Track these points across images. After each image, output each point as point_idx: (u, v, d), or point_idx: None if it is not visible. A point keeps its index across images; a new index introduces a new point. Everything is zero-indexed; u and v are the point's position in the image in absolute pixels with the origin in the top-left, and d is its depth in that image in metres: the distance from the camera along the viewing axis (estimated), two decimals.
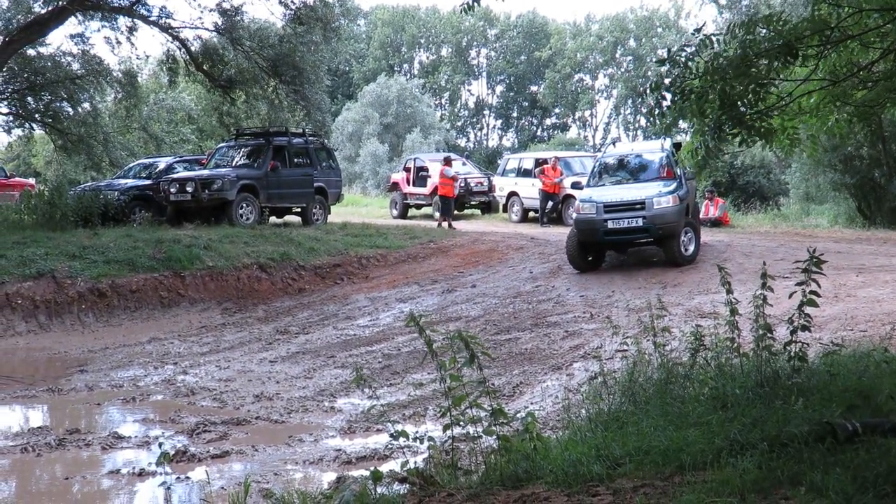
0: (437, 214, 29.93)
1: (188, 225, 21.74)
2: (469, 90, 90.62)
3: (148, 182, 24.77)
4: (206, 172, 23.76)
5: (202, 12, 35.14)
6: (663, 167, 18.89)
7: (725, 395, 6.79)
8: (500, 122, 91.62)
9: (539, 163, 28.59)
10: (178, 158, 27.35)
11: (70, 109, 27.72)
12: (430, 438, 6.27)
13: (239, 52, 25.23)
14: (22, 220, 21.25)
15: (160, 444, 8.01)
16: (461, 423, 6.08)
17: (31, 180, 37.10)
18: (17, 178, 37.14)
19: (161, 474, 7.81)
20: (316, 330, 15.59)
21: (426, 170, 32.40)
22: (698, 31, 7.47)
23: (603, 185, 19.21)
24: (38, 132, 34.47)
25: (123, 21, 25.55)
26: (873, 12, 7.37)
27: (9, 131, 32.74)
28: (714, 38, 7.31)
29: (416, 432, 6.48)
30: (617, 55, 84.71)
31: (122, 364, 13.66)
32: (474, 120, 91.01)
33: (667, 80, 7.38)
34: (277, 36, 25.34)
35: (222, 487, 7.73)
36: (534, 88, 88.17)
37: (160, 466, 6.81)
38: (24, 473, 8.76)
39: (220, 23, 25.20)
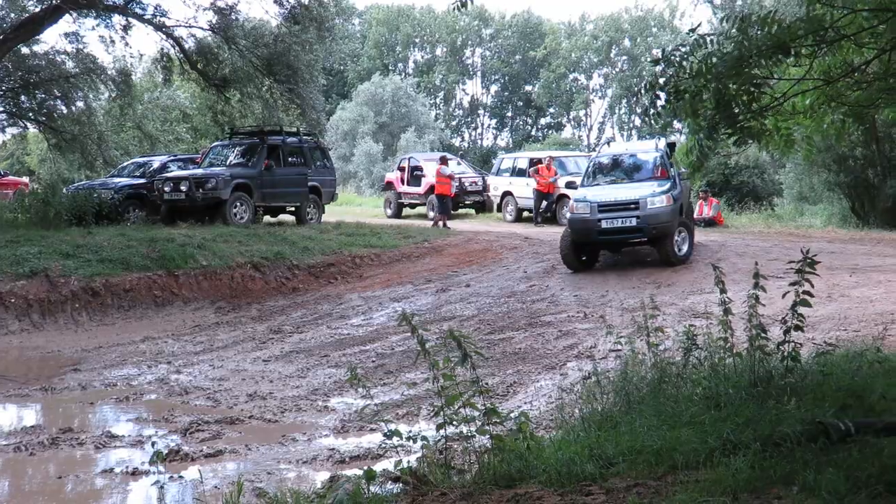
0: (432, 214, 29.94)
1: (182, 224, 21.71)
2: (464, 89, 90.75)
3: (142, 181, 24.76)
4: (200, 171, 23.75)
5: (197, 11, 35.00)
6: (657, 167, 18.93)
7: (718, 395, 6.80)
8: (494, 121, 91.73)
9: (533, 162, 28.61)
10: (172, 157, 27.32)
11: (64, 108, 27.64)
12: (424, 438, 6.27)
13: (233, 51, 25.19)
14: (16, 218, 21.21)
15: (153, 444, 8.01)
16: (454, 422, 6.09)
17: (25, 179, 37.06)
18: (11, 177, 37.09)
19: (154, 473, 7.83)
20: (310, 329, 15.58)
21: (421, 169, 32.42)
22: (693, 30, 7.47)
23: (597, 184, 19.24)
24: (32, 131, 34.45)
25: (118, 19, 25.49)
26: (867, 12, 7.37)
27: (3, 130, 32.71)
28: (708, 38, 7.32)
29: (410, 431, 6.48)
30: (612, 55, 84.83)
31: (115, 363, 13.63)
32: (469, 119, 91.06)
33: (661, 80, 7.38)
34: (272, 35, 25.29)
35: (216, 487, 7.73)
36: (528, 88, 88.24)
37: (153, 465, 6.85)
38: (17, 472, 8.75)
39: (214, 21, 25.17)
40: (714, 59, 7.07)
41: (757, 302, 7.33)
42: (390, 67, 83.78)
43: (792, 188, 30.21)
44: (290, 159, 24.97)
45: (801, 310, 7.03)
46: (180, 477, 8.13)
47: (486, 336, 13.68)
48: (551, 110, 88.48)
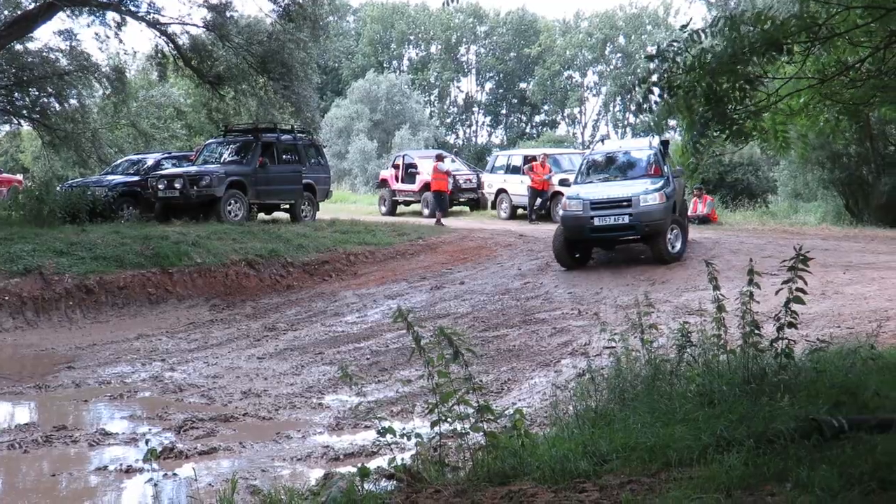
0: (426, 211, 29.96)
1: (176, 221, 21.69)
2: (458, 87, 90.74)
3: (136, 178, 24.71)
4: (194, 169, 23.70)
5: (191, 8, 35.09)
6: (651, 165, 18.95)
7: (712, 392, 6.81)
8: (489, 118, 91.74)
9: (528, 160, 28.58)
10: (166, 155, 27.29)
11: (58, 105, 27.60)
12: (418, 435, 6.28)
13: (228, 49, 25.17)
14: (9, 216, 21.17)
15: (147, 441, 8.02)
16: (449, 419, 6.09)
17: (19, 176, 36.98)
18: (5, 175, 37.01)
19: (148, 471, 7.81)
20: (304, 326, 15.58)
21: (415, 167, 32.43)
22: (686, 26, 7.47)
23: (591, 182, 19.26)
24: (26, 128, 34.37)
25: (112, 16, 25.47)
26: (860, 9, 7.38)
27: None
28: (702, 33, 7.32)
29: (404, 429, 6.48)
30: (606, 52, 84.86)
31: (109, 361, 13.61)
32: (463, 117, 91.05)
33: (654, 77, 7.38)
34: (266, 33, 25.28)
35: (210, 484, 7.72)
36: (523, 85, 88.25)
37: (147, 463, 6.81)
38: (10, 470, 8.73)
39: (208, 18, 25.14)
40: (708, 56, 7.07)
41: (751, 299, 7.34)
42: (385, 65, 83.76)
43: (786, 185, 30.29)
44: (284, 157, 24.94)
45: (795, 307, 7.04)
46: (174, 474, 8.12)
47: (480, 333, 13.69)
48: (546, 108, 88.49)
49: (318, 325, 15.57)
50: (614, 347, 8.28)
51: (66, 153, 29.80)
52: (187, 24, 25.82)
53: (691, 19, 10.92)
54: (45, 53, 26.74)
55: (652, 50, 7.62)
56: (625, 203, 17.64)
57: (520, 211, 28.89)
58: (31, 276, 16.35)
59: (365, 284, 18.89)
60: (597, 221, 17.72)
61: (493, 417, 6.19)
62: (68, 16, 25.55)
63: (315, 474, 7.96)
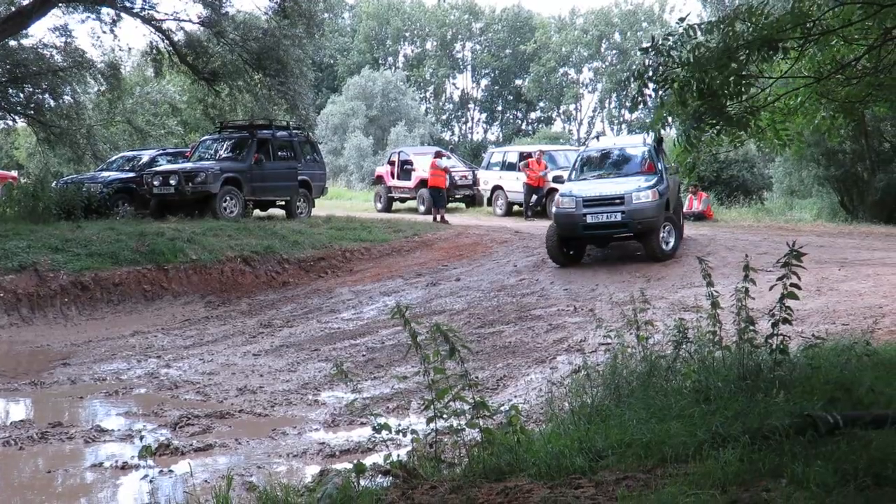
0: (423, 208, 29.94)
1: (172, 218, 21.67)
2: (454, 83, 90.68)
3: (131, 175, 24.69)
4: (189, 165, 23.68)
5: (186, 4, 35.04)
6: (645, 162, 18.95)
7: (708, 388, 6.82)
8: (484, 115, 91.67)
9: (524, 156, 28.59)
10: (161, 151, 27.26)
11: (52, 102, 27.57)
12: (414, 431, 6.28)
13: (223, 45, 25.15)
14: (4, 212, 21.14)
15: (142, 438, 8.01)
16: (444, 416, 6.09)
17: (14, 173, 36.92)
18: (0, 171, 36.95)
19: (144, 468, 7.82)
20: (300, 323, 15.58)
21: (411, 163, 32.42)
22: (682, 20, 7.47)
23: (584, 179, 19.25)
24: (21, 124, 34.29)
25: (107, 12, 25.42)
26: (855, 7, 7.39)
27: None
28: (697, 28, 7.32)
29: (400, 425, 6.49)
30: (602, 49, 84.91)
31: (105, 357, 13.61)
32: (459, 113, 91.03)
33: (649, 72, 7.38)
34: (261, 29, 25.26)
35: (205, 481, 7.72)
36: (518, 82, 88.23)
37: (143, 460, 6.84)
38: (6, 467, 8.72)
39: (204, 15, 25.12)
40: (702, 49, 7.08)
41: (746, 295, 7.35)
42: (380, 61, 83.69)
43: (782, 182, 30.30)
44: (279, 153, 24.92)
45: (790, 303, 7.05)
46: (170, 471, 8.12)
47: (476, 330, 13.69)
48: (541, 104, 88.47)
49: (314, 322, 15.56)
50: (610, 344, 8.29)
51: (61, 150, 29.78)
52: (182, 20, 25.82)
53: (689, 14, 10.89)
54: (39, 50, 26.70)
55: (647, 44, 7.62)
56: (617, 200, 17.60)
57: (515, 208, 28.89)
58: (26, 273, 16.33)
59: (361, 281, 18.88)
60: (589, 219, 17.67)
61: (488, 414, 6.19)
62: (63, 12, 25.54)
63: (311, 470, 7.96)
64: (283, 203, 25.22)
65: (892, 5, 7.14)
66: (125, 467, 8.30)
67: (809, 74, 8.18)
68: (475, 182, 31.82)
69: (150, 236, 18.78)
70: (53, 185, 22.84)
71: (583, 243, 18.88)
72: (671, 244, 18.11)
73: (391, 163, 33.65)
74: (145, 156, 26.31)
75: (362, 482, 5.74)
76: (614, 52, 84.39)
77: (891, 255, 17.09)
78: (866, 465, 4.99)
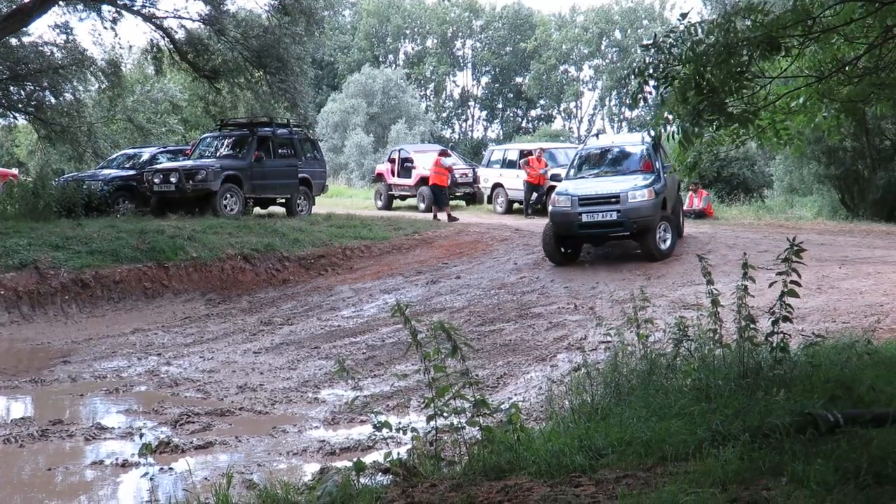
0: (423, 206, 29.92)
1: (172, 215, 21.67)
2: (454, 81, 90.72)
3: (132, 172, 24.68)
4: (190, 163, 23.68)
5: (187, 1, 35.05)
6: (642, 160, 18.91)
7: (708, 387, 6.82)
8: (485, 113, 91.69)
9: (524, 154, 28.59)
10: (162, 149, 27.26)
11: (53, 99, 27.54)
12: (414, 429, 6.28)
13: (223, 43, 25.13)
14: (5, 210, 21.13)
15: (142, 435, 8.00)
16: (445, 414, 6.09)
17: (14, 170, 36.90)
18: (1, 169, 36.94)
19: (144, 465, 7.81)
20: (300, 321, 15.58)
21: (411, 161, 32.42)
22: (684, 16, 7.46)
23: (581, 177, 19.20)
24: (22, 122, 34.28)
25: (107, 10, 25.40)
26: (856, 4, 7.38)
27: None
28: (698, 27, 7.31)
29: (400, 423, 6.49)
30: (602, 47, 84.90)
31: (105, 355, 13.62)
32: (459, 111, 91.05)
33: (650, 69, 7.37)
34: (262, 27, 25.24)
35: (205, 478, 7.73)
36: (519, 80, 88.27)
37: (143, 457, 6.81)
38: (6, 464, 8.72)
39: (204, 12, 25.10)
40: (702, 46, 7.07)
41: (746, 293, 7.35)
42: (381, 59, 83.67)
43: (782, 180, 30.30)
44: (280, 151, 24.91)
45: (791, 301, 7.05)
46: (170, 469, 8.13)
47: (476, 328, 13.69)
48: (542, 102, 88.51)
49: (314, 320, 15.57)
50: (610, 342, 8.28)
51: (61, 147, 29.77)
52: (183, 17, 25.79)
53: (690, 10, 10.88)
54: (40, 47, 26.68)
55: (648, 41, 7.60)
56: (613, 199, 17.52)
57: (516, 205, 28.89)
58: (26, 271, 16.32)
59: (361, 279, 18.88)
60: (585, 218, 17.58)
61: (489, 412, 6.19)
62: (64, 10, 25.52)
63: (311, 468, 7.97)
64: (283, 201, 25.21)
65: (893, 3, 7.13)
66: (125, 465, 8.30)
67: (811, 74, 8.17)
68: (475, 180, 31.82)
69: (151, 234, 18.78)
70: (54, 182, 22.82)
71: (579, 242, 18.81)
72: (668, 243, 18.02)
73: (391, 160, 33.64)
74: (146, 153, 26.31)
75: (362, 480, 5.74)
76: (615, 49, 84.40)
77: (891, 253, 17.10)
78: (867, 464, 4.99)
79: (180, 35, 25.87)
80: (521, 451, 5.84)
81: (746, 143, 8.94)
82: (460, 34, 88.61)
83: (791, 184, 29.73)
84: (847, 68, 8.17)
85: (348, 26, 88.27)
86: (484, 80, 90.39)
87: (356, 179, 56.29)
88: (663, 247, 17.92)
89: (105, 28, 26.18)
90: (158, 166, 23.93)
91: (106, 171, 25.21)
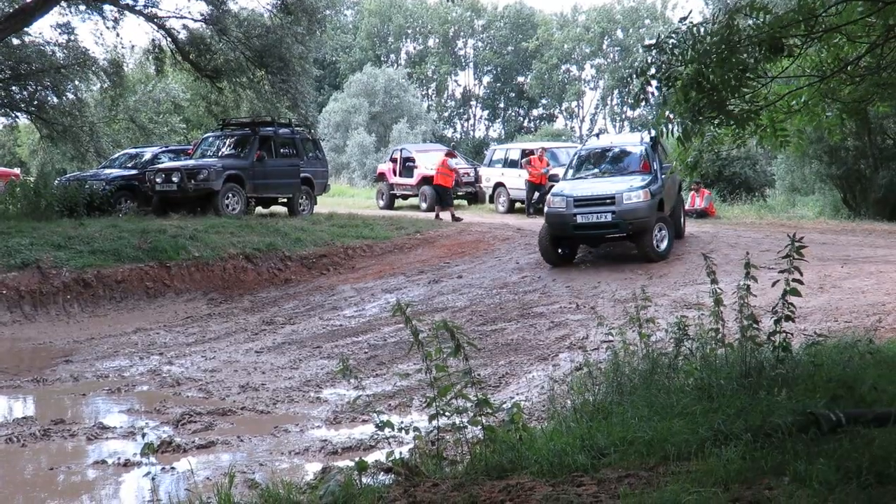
0: (425, 205, 29.94)
1: (174, 215, 21.69)
2: (456, 81, 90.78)
3: (134, 172, 24.69)
4: (192, 162, 23.69)
5: (189, 1, 35.06)
6: (640, 161, 18.78)
7: (710, 386, 6.81)
8: (486, 112, 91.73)
9: (526, 153, 28.62)
10: (164, 148, 27.27)
11: (55, 99, 27.56)
12: (416, 429, 6.28)
13: (225, 42, 25.14)
14: (7, 209, 21.14)
15: (144, 435, 8.01)
16: (447, 413, 6.09)
17: (17, 170, 36.95)
18: (3, 168, 36.98)
19: (146, 465, 7.81)
20: (302, 320, 15.58)
21: (413, 160, 32.45)
22: (685, 18, 7.46)
23: (579, 178, 19.12)
24: (24, 121, 34.32)
25: (109, 10, 25.41)
26: (858, 4, 7.38)
27: None
28: (700, 28, 7.30)
29: (402, 423, 6.49)
30: (604, 46, 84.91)
31: (107, 354, 13.61)
32: (461, 110, 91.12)
33: (652, 70, 7.36)
34: (264, 27, 25.25)
35: (207, 478, 7.72)
36: (521, 79, 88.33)
37: (145, 457, 6.81)
38: (8, 464, 8.72)
39: (206, 12, 25.11)
40: (706, 40, 7.06)
41: (748, 293, 7.35)
42: (382, 59, 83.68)
43: (784, 179, 30.27)
44: (281, 150, 24.92)
45: (793, 300, 7.04)
46: (172, 468, 8.12)
47: (478, 327, 13.69)
48: (543, 101, 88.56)
49: (316, 319, 15.57)
50: (612, 341, 8.27)
51: (63, 147, 29.79)
52: (185, 17, 25.81)
53: (691, 11, 10.88)
54: (41, 47, 26.70)
55: (650, 41, 7.59)
56: (608, 200, 17.40)
57: (518, 205, 28.91)
58: (28, 270, 16.33)
59: (363, 278, 18.88)
60: (579, 219, 17.48)
61: (491, 411, 6.19)
62: (65, 10, 25.52)
63: (313, 468, 7.96)
64: (285, 200, 25.23)
65: (895, 2, 7.12)
66: (127, 464, 8.30)
67: (813, 73, 8.16)
68: (477, 179, 31.83)
69: (153, 233, 18.78)
70: (56, 182, 22.84)
71: (575, 243, 18.74)
72: (664, 245, 17.89)
73: (393, 160, 33.67)
74: (148, 153, 26.32)
75: (364, 480, 5.74)
76: (616, 48, 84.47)
77: (893, 252, 17.10)
78: (869, 463, 4.99)
79: (182, 35, 25.89)
80: (523, 451, 5.84)
81: (747, 143, 8.92)
82: (462, 34, 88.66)
83: (793, 183, 29.71)
84: (849, 68, 8.16)
85: (350, 26, 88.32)
86: (486, 79, 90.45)
87: (358, 179, 56.31)
88: (660, 248, 17.82)
89: (107, 28, 26.21)
90: (160, 166, 23.93)
91: (108, 171, 25.22)
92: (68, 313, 16.15)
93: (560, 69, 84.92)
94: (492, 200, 30.68)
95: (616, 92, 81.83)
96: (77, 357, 13.46)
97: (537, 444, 6.01)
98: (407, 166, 32.70)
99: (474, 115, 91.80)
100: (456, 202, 31.80)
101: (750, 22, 7.19)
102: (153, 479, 6.85)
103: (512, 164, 29.46)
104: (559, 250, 18.44)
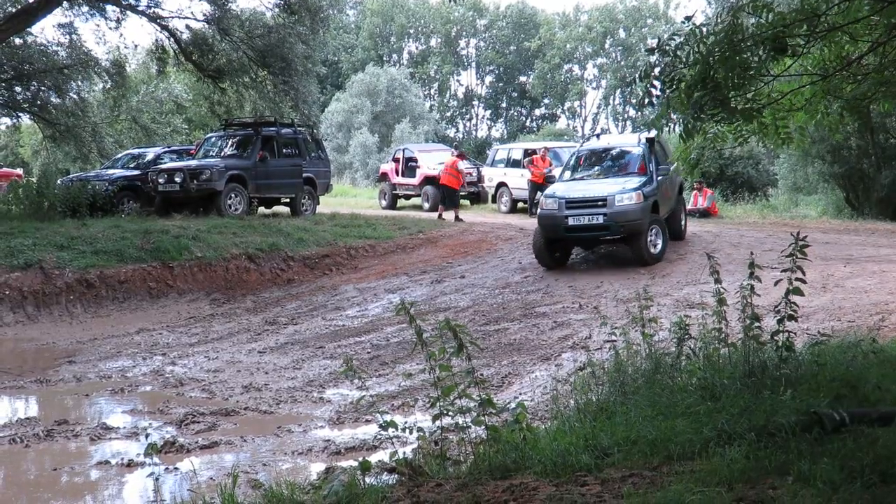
0: (427, 205, 29.96)
1: (176, 215, 21.70)
2: (458, 80, 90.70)
3: (136, 172, 24.72)
4: (194, 162, 23.71)
5: (191, 1, 35.02)
6: (636, 162, 18.51)
7: (713, 386, 6.82)
8: (489, 112, 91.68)
9: (528, 153, 28.59)
10: (166, 149, 27.29)
11: (58, 99, 27.56)
12: (419, 429, 6.28)
13: (228, 43, 25.14)
14: (9, 210, 21.17)
15: (148, 435, 8.02)
16: (450, 413, 6.09)
17: (19, 170, 36.97)
18: (5, 169, 37.00)
19: (149, 465, 7.82)
20: (305, 320, 15.58)
21: (415, 160, 32.45)
22: (688, 19, 7.45)
23: (574, 179, 18.94)
24: (26, 122, 34.33)
25: (112, 10, 25.42)
26: (863, 2, 7.37)
27: None
28: (704, 29, 7.29)
29: (405, 423, 6.50)
30: (606, 45, 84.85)
31: (110, 355, 13.62)
32: (463, 110, 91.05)
33: (656, 70, 7.36)
34: (266, 27, 25.25)
35: (211, 478, 7.72)
36: (523, 79, 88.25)
37: (148, 457, 6.82)
38: (12, 464, 8.74)
39: (209, 12, 25.11)
40: (709, 40, 7.05)
41: (751, 292, 7.34)
42: (385, 58, 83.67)
43: (786, 179, 30.24)
44: (284, 151, 24.92)
45: (796, 300, 7.04)
46: (175, 468, 8.12)
47: (481, 327, 13.69)
48: (546, 101, 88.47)
49: (319, 319, 15.57)
50: (615, 341, 8.26)
51: (66, 147, 29.80)
52: (187, 17, 25.81)
53: (695, 12, 10.83)
54: (44, 47, 26.71)
55: (652, 43, 7.59)
56: (599, 203, 17.15)
57: (520, 205, 28.90)
58: (31, 271, 16.35)
59: (365, 278, 18.89)
60: (571, 221, 17.25)
61: (494, 411, 6.19)
62: (67, 10, 25.53)
63: (316, 468, 7.97)
64: (287, 200, 25.23)
65: None
66: (131, 465, 8.31)
67: (815, 72, 8.16)
68: (480, 179, 31.83)
69: (155, 234, 18.80)
70: (58, 182, 22.86)
71: (568, 246, 18.57)
72: (658, 248, 17.61)
73: (396, 160, 33.66)
74: (150, 153, 26.34)
75: (368, 480, 5.75)
76: (619, 48, 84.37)
77: None
78: (872, 463, 4.99)
79: (185, 35, 25.89)
80: (526, 451, 5.84)
81: (750, 141, 8.91)
82: (464, 33, 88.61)
83: (795, 182, 29.68)
84: (852, 66, 8.16)
85: (352, 26, 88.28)
86: (488, 79, 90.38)
87: (360, 179, 56.31)
88: (654, 251, 17.56)
89: (109, 28, 26.22)
90: (163, 166, 23.95)
91: (110, 171, 25.26)
92: (71, 314, 16.16)
93: (562, 69, 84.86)
94: (494, 200, 30.67)
95: (618, 91, 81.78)
96: (80, 357, 13.47)
97: (541, 443, 6.01)
98: (409, 166, 32.71)
99: (477, 115, 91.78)
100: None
101: (752, 21, 7.18)
102: (157, 479, 6.87)
103: (514, 163, 29.44)
104: (555, 253, 18.26)
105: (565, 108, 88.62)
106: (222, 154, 24.39)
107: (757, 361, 7.11)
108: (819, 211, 27.48)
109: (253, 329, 15.12)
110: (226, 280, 18.40)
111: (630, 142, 19.77)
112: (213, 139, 25.67)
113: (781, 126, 8.29)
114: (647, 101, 7.48)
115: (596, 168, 19.36)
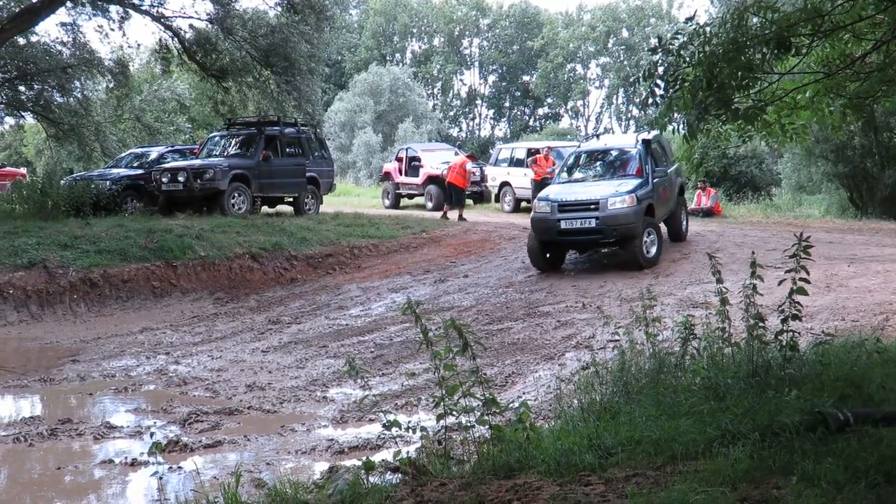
0: (430, 204, 29.96)
1: (180, 215, 21.71)
2: (461, 80, 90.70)
3: (140, 172, 24.73)
4: (198, 162, 23.72)
5: (195, 1, 35.01)
6: (635, 163, 18.24)
7: (717, 385, 6.81)
8: (492, 111, 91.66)
9: (531, 153, 28.60)
10: (170, 148, 27.31)
11: (61, 98, 27.59)
12: (423, 428, 6.28)
13: (231, 42, 25.14)
14: (13, 209, 21.19)
15: (152, 434, 8.02)
16: (454, 412, 6.09)
17: (23, 170, 37.00)
18: (9, 168, 37.03)
19: (153, 464, 7.82)
20: (308, 320, 15.59)
21: (418, 160, 32.46)
22: (690, 19, 7.45)
23: (570, 181, 18.74)
24: (30, 121, 34.36)
25: (115, 10, 25.44)
26: (868, 2, 7.37)
27: (0, 120, 32.63)
28: (707, 28, 7.29)
29: (409, 422, 6.49)
30: (609, 45, 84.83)
31: (114, 354, 13.63)
32: (466, 110, 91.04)
33: (660, 69, 7.36)
34: (270, 26, 25.25)
35: (214, 477, 7.73)
36: (526, 78, 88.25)
37: (152, 456, 6.83)
38: (15, 463, 8.74)
39: (212, 12, 25.12)
40: (713, 41, 7.05)
41: (754, 292, 7.34)
42: (388, 58, 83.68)
43: (790, 178, 30.22)
44: (287, 150, 24.95)
45: (800, 299, 7.04)
46: (179, 468, 8.13)
47: (484, 326, 13.68)
48: (549, 100, 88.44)
49: (322, 319, 15.57)
50: (618, 341, 8.26)
51: (69, 146, 29.83)
52: (191, 17, 25.83)
53: (696, 11, 10.82)
54: (47, 46, 26.73)
55: (655, 43, 7.58)
56: (592, 206, 16.91)
57: (523, 204, 28.88)
58: (35, 270, 16.37)
59: (369, 277, 18.89)
60: (564, 224, 17.04)
61: (498, 410, 6.19)
62: (71, 9, 25.55)
63: (320, 467, 7.96)
64: (291, 200, 25.24)
65: None
66: (134, 464, 8.31)
67: (819, 70, 8.15)
68: (483, 178, 31.82)
69: (159, 233, 18.81)
70: (62, 182, 22.88)
71: (563, 249, 18.39)
72: (653, 251, 17.40)
73: (399, 159, 33.67)
74: (154, 153, 26.35)
75: (371, 479, 5.74)
76: (622, 47, 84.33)
77: None
78: (877, 463, 4.99)
79: (188, 35, 25.90)
80: (530, 450, 5.84)
81: (753, 141, 8.91)
82: (467, 33, 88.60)
83: (799, 182, 29.66)
84: (855, 64, 8.16)
85: (355, 25, 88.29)
86: (491, 78, 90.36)
87: (364, 178, 56.32)
88: (649, 254, 17.32)
89: (112, 28, 26.23)
90: (166, 165, 23.95)
91: (114, 171, 25.27)
92: (75, 313, 16.17)
93: (565, 68, 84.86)
94: (497, 200, 30.68)
95: (621, 91, 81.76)
96: (84, 356, 13.47)
97: (544, 443, 6.00)
98: (412, 165, 32.71)
99: (480, 115, 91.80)
100: None
101: (756, 20, 7.18)
102: (160, 478, 6.88)
103: (518, 163, 29.45)
104: (549, 256, 18.06)
105: (568, 107, 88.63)
106: (226, 153, 24.40)
107: (761, 361, 7.10)
108: (823, 210, 27.47)
109: (256, 328, 15.13)
110: (229, 279, 18.41)
111: (627, 143, 19.45)
112: (217, 138, 25.67)
113: (787, 123, 8.30)
114: (650, 100, 7.48)
115: (591, 170, 19.13)
